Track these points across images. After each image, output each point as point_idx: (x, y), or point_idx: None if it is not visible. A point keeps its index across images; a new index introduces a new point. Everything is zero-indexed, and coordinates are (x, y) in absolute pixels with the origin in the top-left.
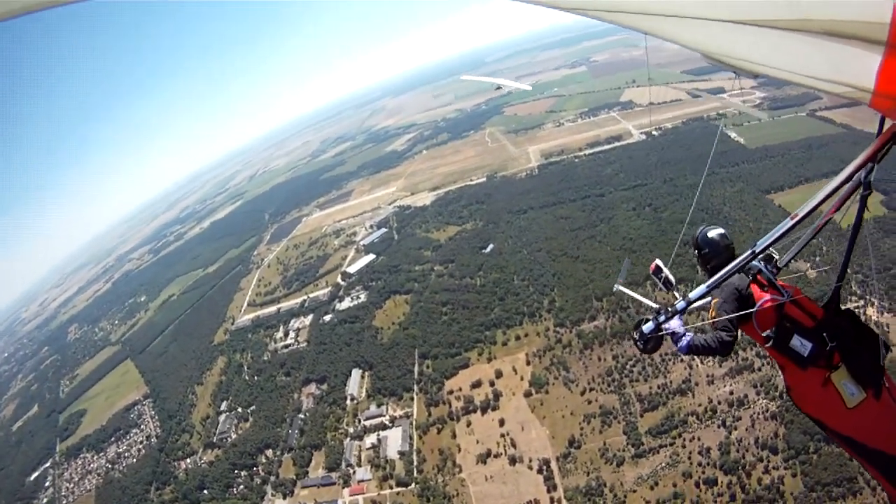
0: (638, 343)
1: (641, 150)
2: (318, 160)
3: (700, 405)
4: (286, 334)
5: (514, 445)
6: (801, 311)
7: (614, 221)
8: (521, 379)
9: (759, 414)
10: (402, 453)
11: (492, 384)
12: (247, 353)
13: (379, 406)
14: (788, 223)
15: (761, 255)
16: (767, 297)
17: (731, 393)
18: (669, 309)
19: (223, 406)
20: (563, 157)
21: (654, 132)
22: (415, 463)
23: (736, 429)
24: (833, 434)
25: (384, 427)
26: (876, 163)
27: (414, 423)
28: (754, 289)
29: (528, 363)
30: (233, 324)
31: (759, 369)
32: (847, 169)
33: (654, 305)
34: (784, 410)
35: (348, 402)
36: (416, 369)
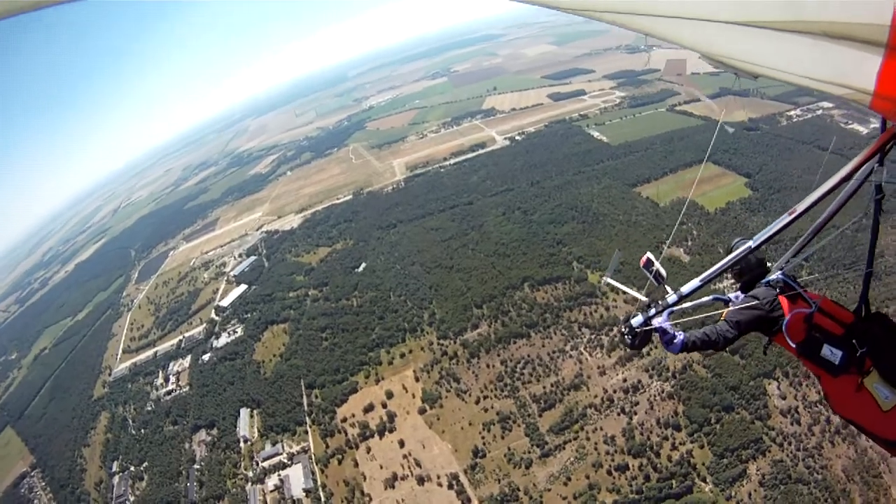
0: (626, 338)
1: (506, 156)
2: (182, 189)
3: (596, 397)
4: (166, 380)
5: (419, 465)
6: (830, 320)
7: (485, 228)
8: (413, 396)
9: (655, 396)
10: (307, 491)
11: (384, 406)
12: (129, 405)
13: (274, 444)
14: (786, 219)
15: (784, 266)
16: (795, 309)
17: (625, 380)
18: (660, 303)
19: (114, 467)
20: (428, 169)
21: (517, 137)
22: (322, 499)
23: (636, 413)
24: (873, 437)
25: (283, 466)
26: (880, 164)
27: (313, 457)
28: (782, 301)
29: (417, 379)
30: (110, 374)
31: (648, 354)
32: (846, 168)
33: (644, 299)
34: (679, 388)
35: (242, 444)
36: (304, 401)
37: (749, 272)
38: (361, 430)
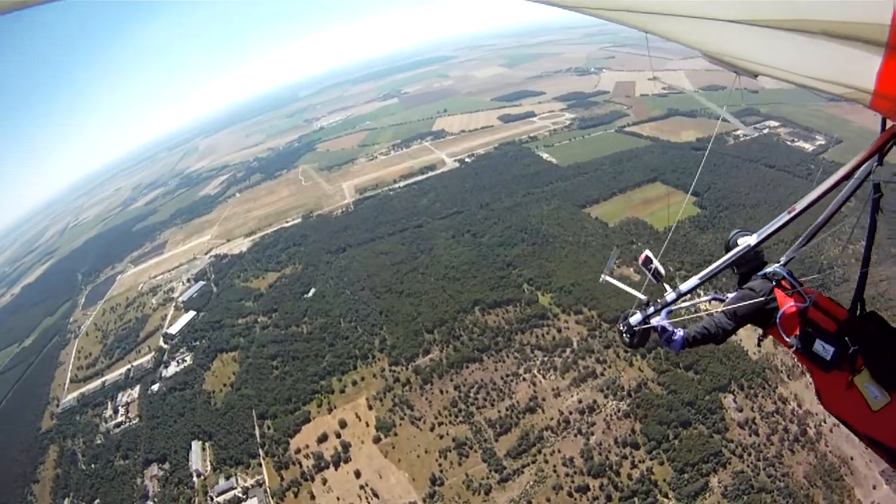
0: (624, 336)
1: (456, 178)
2: (131, 209)
3: (552, 419)
4: (115, 411)
5: (376, 495)
6: (825, 316)
7: (435, 252)
8: (367, 425)
9: (611, 415)
10: None
11: (338, 435)
12: (78, 438)
13: (228, 478)
14: (785, 217)
15: (785, 260)
16: (791, 302)
17: (580, 401)
18: (659, 301)
19: None
20: (378, 191)
21: (467, 159)
22: None
23: (593, 434)
24: (860, 436)
25: (239, 501)
26: (879, 163)
27: (268, 490)
28: (778, 294)
29: (370, 408)
30: (58, 405)
31: (602, 374)
32: (846, 167)
33: (643, 297)
34: (636, 407)
35: (195, 479)
36: (257, 432)
37: (746, 264)
38: (316, 461)
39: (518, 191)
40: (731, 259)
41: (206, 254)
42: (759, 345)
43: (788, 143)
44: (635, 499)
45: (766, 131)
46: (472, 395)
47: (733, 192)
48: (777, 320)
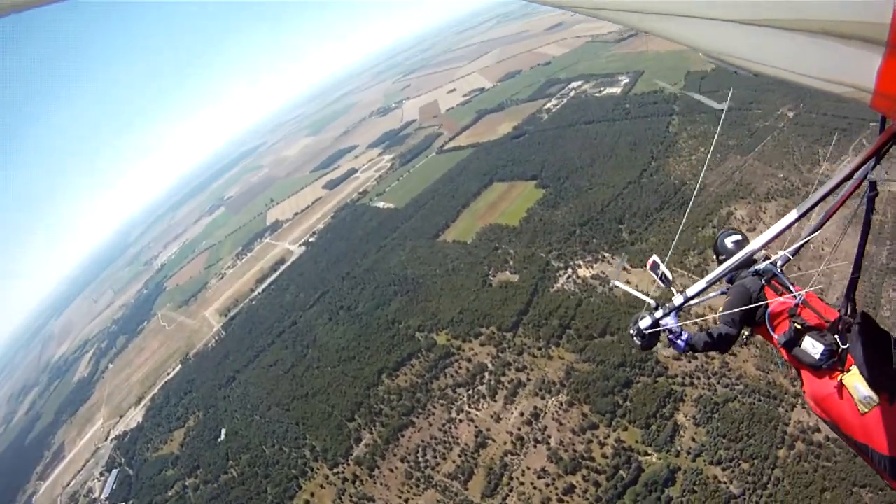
0: (634, 339)
1: (308, 262)
2: (14, 424)
3: (505, 443)
4: None
5: None
6: (815, 314)
7: (319, 341)
8: None
9: (557, 412)
10: None
11: None
12: None
13: None
14: (787, 220)
15: (776, 258)
16: (780, 300)
17: (522, 414)
18: (667, 305)
19: None
20: (240, 307)
21: (310, 240)
22: None
23: (550, 437)
24: (847, 439)
25: None
26: (878, 162)
27: None
28: (768, 292)
29: None
30: None
31: (529, 379)
32: (847, 168)
33: (651, 301)
34: (574, 392)
35: None
36: None
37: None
38: None
39: (370, 249)
40: (735, 263)
41: (106, 440)
42: (745, 343)
43: (597, 94)
44: (621, 472)
45: (572, 94)
46: (421, 459)
47: (566, 161)
48: (766, 318)
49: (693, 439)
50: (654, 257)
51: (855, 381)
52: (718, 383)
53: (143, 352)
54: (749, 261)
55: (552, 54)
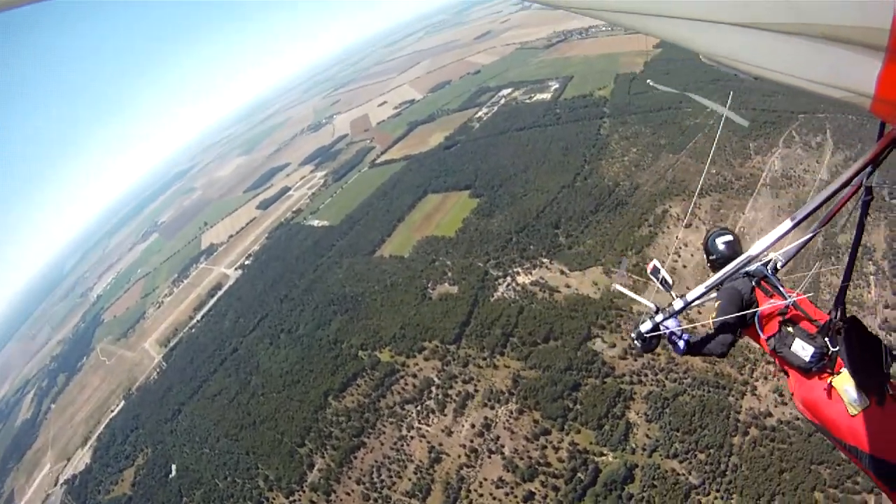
0: (635, 342)
1: (245, 286)
2: None
3: (459, 456)
4: None
5: None
6: (805, 317)
7: (262, 367)
8: None
9: (508, 421)
10: None
11: None
12: None
13: None
14: (786, 226)
15: (765, 261)
16: (770, 301)
17: (473, 426)
18: (667, 309)
19: None
20: (179, 336)
21: (246, 262)
22: None
23: (504, 446)
24: (836, 442)
25: None
26: (876, 167)
27: None
28: (758, 294)
29: None
30: None
31: (477, 390)
32: (846, 173)
33: (652, 306)
34: (524, 399)
35: None
36: None
37: (725, 264)
38: None
39: (307, 268)
40: (734, 269)
41: (56, 485)
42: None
43: (527, 101)
44: (579, 474)
45: (502, 102)
46: (376, 480)
47: (499, 169)
48: (755, 320)
49: (647, 435)
50: (655, 262)
51: (844, 384)
52: (667, 378)
53: (85, 389)
54: (735, 258)
55: (482, 63)
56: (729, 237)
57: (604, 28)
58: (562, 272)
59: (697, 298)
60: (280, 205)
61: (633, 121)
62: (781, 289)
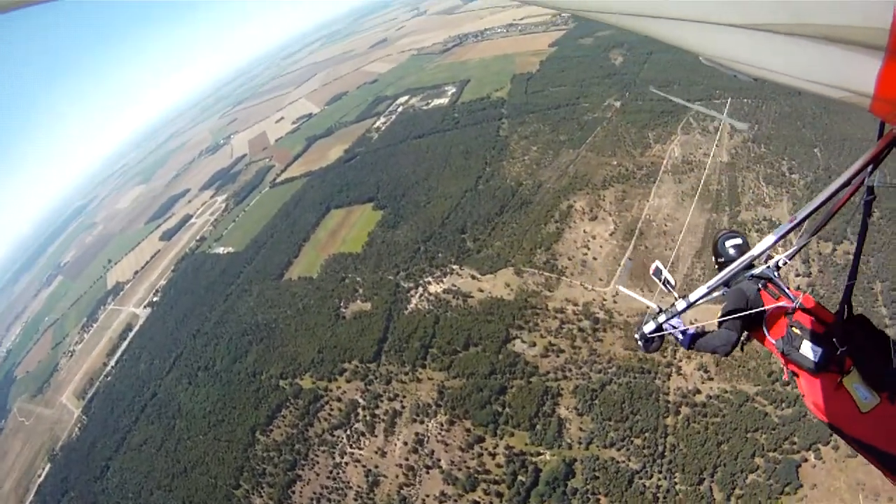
0: (639, 343)
1: (156, 324)
2: None
3: (397, 476)
4: None
5: None
6: (812, 318)
7: (184, 409)
8: None
9: (440, 434)
10: None
11: None
12: None
13: None
14: (787, 226)
15: (771, 263)
16: (777, 304)
17: (406, 443)
18: (670, 310)
19: None
20: (96, 385)
21: (155, 299)
22: None
23: (440, 460)
24: (850, 440)
25: None
26: (876, 167)
27: None
28: (764, 296)
29: None
30: None
31: (403, 406)
32: (846, 173)
33: (655, 307)
34: (452, 409)
35: None
36: None
37: (731, 263)
38: None
39: (217, 299)
40: (735, 269)
41: None
42: (742, 349)
43: (425, 107)
44: (520, 477)
45: (400, 109)
46: None
47: (401, 178)
48: (763, 322)
49: (581, 429)
50: (657, 263)
51: (855, 382)
52: (591, 371)
53: (8, 455)
54: (748, 265)
55: (378, 71)
56: (738, 240)
57: (499, 30)
58: (473, 277)
59: (700, 298)
60: (183, 234)
61: (531, 120)
62: (787, 291)
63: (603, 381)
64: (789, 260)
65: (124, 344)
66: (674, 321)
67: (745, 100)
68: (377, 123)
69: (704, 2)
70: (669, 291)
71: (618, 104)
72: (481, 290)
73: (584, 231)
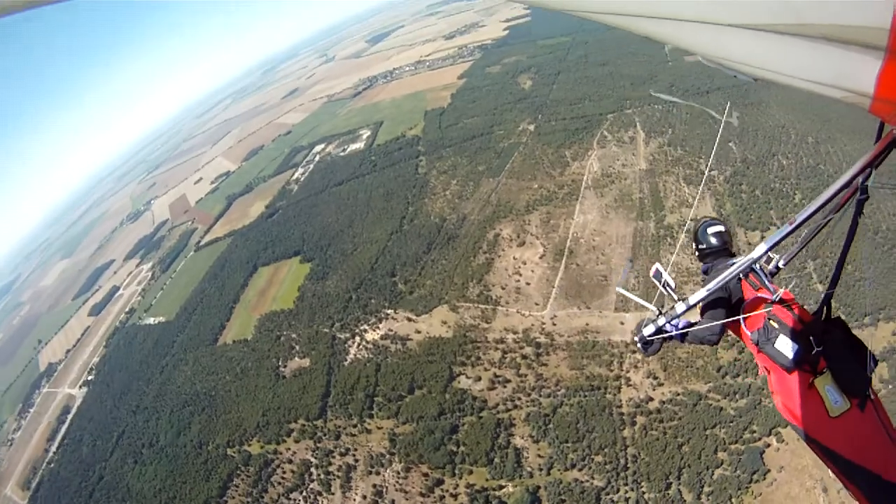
0: (639, 346)
1: (94, 405)
2: None
3: None
4: None
5: None
6: (790, 314)
7: (133, 489)
8: None
9: (398, 483)
10: None
11: None
12: None
13: None
14: (787, 228)
15: (771, 265)
16: (756, 296)
17: (365, 497)
18: (669, 313)
19: None
20: (40, 474)
21: (90, 379)
22: None
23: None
24: (813, 444)
25: None
26: (874, 168)
27: None
28: (744, 286)
29: None
30: None
31: (357, 460)
32: (846, 174)
33: (654, 309)
34: (406, 457)
35: None
36: None
37: (715, 255)
38: None
39: (153, 372)
40: (736, 272)
41: None
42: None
43: (342, 154)
44: None
45: (317, 159)
46: None
47: (325, 228)
48: (740, 312)
49: (539, 455)
50: (657, 265)
51: (827, 385)
52: (541, 396)
53: None
54: (728, 253)
55: (291, 122)
56: (720, 227)
57: (408, 68)
58: (409, 319)
59: (700, 300)
60: (112, 307)
61: (448, 154)
62: (768, 283)
63: (554, 404)
64: (786, 264)
65: (63, 428)
66: (677, 324)
67: (656, 105)
68: (296, 175)
69: (704, 2)
70: (670, 294)
71: (532, 127)
72: (418, 332)
73: (514, 258)
